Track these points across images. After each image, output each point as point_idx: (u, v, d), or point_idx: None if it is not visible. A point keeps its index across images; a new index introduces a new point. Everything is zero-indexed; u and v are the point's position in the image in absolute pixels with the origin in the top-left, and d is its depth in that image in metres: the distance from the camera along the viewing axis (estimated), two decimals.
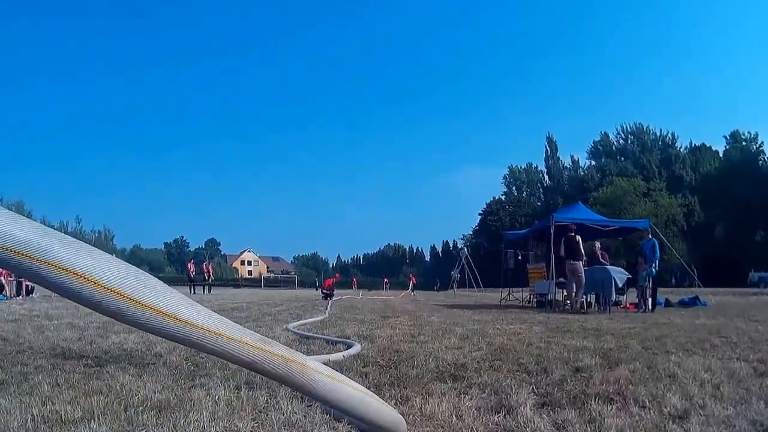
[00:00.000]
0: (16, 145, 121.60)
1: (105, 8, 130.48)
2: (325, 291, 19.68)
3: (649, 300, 11.02)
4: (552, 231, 12.27)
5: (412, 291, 36.63)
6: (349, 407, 1.26)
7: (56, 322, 6.80)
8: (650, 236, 12.11)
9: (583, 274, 10.94)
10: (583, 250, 11.21)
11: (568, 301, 11.80)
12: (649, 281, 11.17)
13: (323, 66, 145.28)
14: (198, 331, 1.04)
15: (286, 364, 1.13)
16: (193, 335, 1.04)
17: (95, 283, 0.92)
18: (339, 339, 5.06)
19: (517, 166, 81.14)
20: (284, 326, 6.78)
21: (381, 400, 1.52)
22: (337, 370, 1.66)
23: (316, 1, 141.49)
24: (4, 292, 14.45)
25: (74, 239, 0.96)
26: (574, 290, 11.17)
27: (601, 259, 12.03)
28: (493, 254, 41.74)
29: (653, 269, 11.35)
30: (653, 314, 9.91)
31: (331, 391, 1.20)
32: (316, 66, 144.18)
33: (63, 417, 2.25)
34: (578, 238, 11.13)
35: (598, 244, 12.86)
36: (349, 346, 4.40)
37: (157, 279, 1.06)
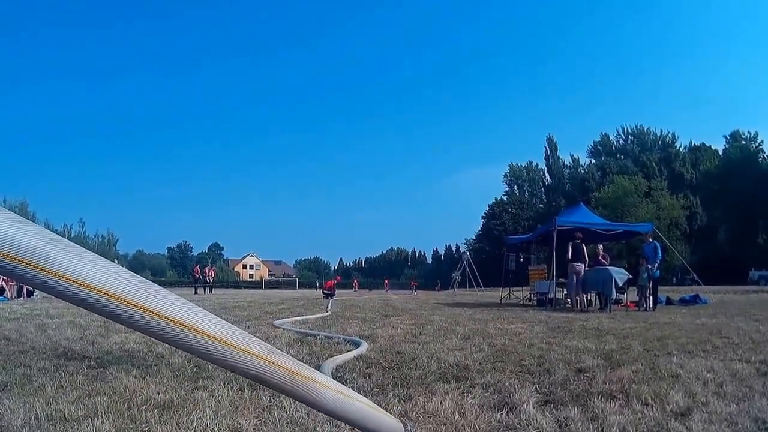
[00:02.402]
0: (20, 147, 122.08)
1: (110, 13, 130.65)
2: (326, 291, 19.87)
3: (650, 298, 11.22)
4: (554, 235, 12.48)
5: (414, 291, 39.79)
6: (355, 421, 1.25)
7: (57, 320, 6.82)
8: (651, 239, 12.20)
9: (582, 275, 11.42)
10: (586, 255, 11.80)
11: (569, 299, 12.18)
12: (649, 282, 11.34)
13: (325, 69, 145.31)
14: (200, 337, 1.00)
15: (292, 377, 1.10)
16: (195, 341, 1.00)
17: (101, 292, 0.90)
18: (348, 338, 5.08)
19: (517, 164, 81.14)
20: (279, 322, 6.84)
21: (386, 412, 1.52)
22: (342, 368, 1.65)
23: (319, 3, 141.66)
24: (5, 294, 14.49)
25: (77, 246, 0.95)
26: (574, 288, 11.64)
27: (602, 261, 12.23)
28: (495, 258, 41.88)
29: (656, 270, 11.43)
30: (654, 313, 9.98)
31: (338, 406, 1.18)
32: (317, 70, 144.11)
33: (66, 415, 2.26)
34: (583, 245, 11.82)
35: (600, 248, 13.34)
36: (357, 345, 4.43)
37: (159, 286, 1.04)
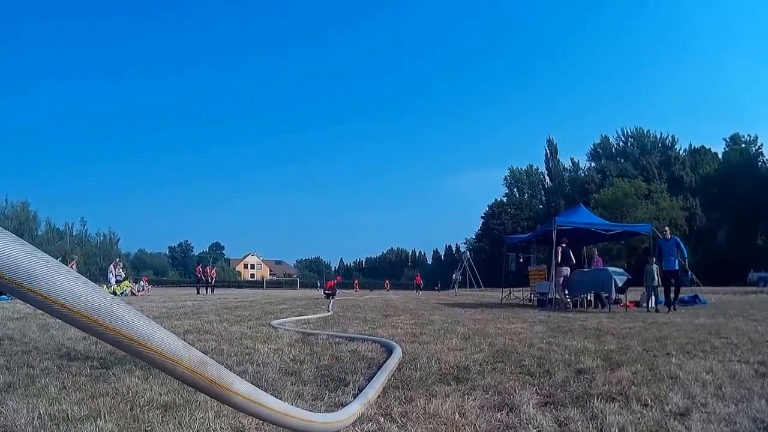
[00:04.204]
0: (22, 146, 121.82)
1: (111, 11, 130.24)
2: (327, 291, 19.84)
3: (653, 299, 11.30)
4: (554, 236, 12.53)
5: (417, 291, 39.41)
6: (265, 419, 1.57)
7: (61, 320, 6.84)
8: (670, 235, 11.96)
9: (568, 278, 12.17)
10: (573, 258, 12.55)
11: (569, 299, 12.45)
12: (659, 281, 11.28)
13: (326, 70, 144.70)
14: (149, 352, 1.20)
15: (216, 386, 1.36)
16: (146, 355, 1.20)
17: (70, 309, 1.05)
18: (378, 339, 5.06)
19: (517, 167, 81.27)
20: (274, 322, 6.84)
21: (299, 411, 1.69)
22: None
23: (321, 5, 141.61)
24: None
25: (58, 263, 1.04)
26: (560, 289, 12.32)
27: (596, 264, 12.44)
28: (495, 258, 41.92)
29: (676, 265, 11.24)
30: (657, 313, 10.00)
31: (250, 408, 1.46)
32: (319, 70, 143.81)
33: (69, 415, 2.27)
34: (569, 249, 12.60)
35: (595, 251, 13.98)
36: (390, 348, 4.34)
37: (125, 303, 1.18)
